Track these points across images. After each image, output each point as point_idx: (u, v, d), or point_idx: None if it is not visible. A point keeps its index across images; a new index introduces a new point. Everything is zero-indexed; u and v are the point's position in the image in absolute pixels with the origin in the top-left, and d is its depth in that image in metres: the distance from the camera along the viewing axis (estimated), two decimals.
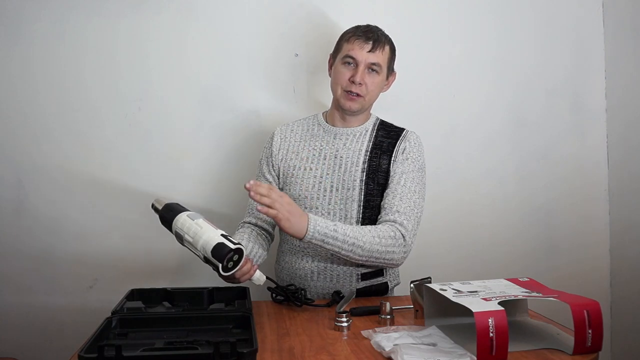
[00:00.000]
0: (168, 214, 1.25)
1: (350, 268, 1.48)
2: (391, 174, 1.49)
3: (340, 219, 1.48)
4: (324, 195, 1.50)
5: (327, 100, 1.64)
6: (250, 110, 1.90)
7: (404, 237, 1.40)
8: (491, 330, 0.95)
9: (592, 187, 2.05)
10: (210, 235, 1.18)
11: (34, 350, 1.79)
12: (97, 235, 1.83)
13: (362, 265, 1.47)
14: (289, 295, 1.37)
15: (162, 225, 1.27)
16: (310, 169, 1.53)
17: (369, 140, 1.54)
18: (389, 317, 1.22)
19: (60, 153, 1.82)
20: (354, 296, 1.43)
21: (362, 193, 1.48)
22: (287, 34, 1.89)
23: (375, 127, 1.57)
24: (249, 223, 1.55)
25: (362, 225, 1.46)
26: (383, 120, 1.60)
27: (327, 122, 1.60)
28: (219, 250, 1.16)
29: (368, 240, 1.36)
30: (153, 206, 1.29)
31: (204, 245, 1.17)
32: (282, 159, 1.58)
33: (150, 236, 1.82)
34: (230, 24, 1.88)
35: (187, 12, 1.86)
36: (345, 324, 1.18)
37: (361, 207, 1.48)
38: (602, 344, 1.01)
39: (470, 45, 1.98)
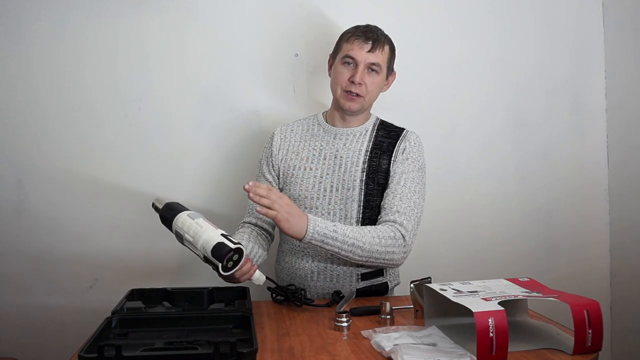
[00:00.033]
0: (168, 213, 1.25)
1: (350, 268, 1.48)
2: (391, 174, 1.49)
3: (340, 219, 1.48)
4: (324, 196, 1.50)
5: (327, 100, 1.64)
6: (250, 110, 1.90)
7: (403, 237, 1.40)
8: (491, 330, 0.95)
9: (592, 187, 2.05)
10: (210, 234, 1.18)
11: (34, 350, 1.79)
12: (97, 235, 1.83)
13: (362, 266, 1.47)
14: (289, 295, 1.37)
15: (162, 225, 1.27)
16: (310, 169, 1.53)
17: (369, 140, 1.54)
18: (389, 317, 1.22)
19: (60, 153, 1.82)
20: (354, 296, 1.43)
21: (362, 193, 1.48)
22: (287, 34, 1.90)
23: (375, 127, 1.57)
24: (249, 223, 1.55)
25: (362, 225, 1.46)
26: (383, 120, 1.60)
27: (327, 122, 1.60)
28: (219, 250, 1.16)
29: (368, 240, 1.36)
30: (153, 205, 1.29)
31: (204, 244, 1.17)
32: (282, 159, 1.58)
33: (150, 236, 1.82)
34: (230, 24, 1.88)
35: (187, 12, 1.86)
36: (345, 324, 1.18)
37: (361, 207, 1.48)
38: (602, 344, 1.01)
39: (470, 45, 1.98)
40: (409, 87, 1.84)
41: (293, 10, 1.89)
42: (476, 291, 1.12)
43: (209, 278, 1.45)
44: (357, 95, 1.50)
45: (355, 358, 1.03)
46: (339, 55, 1.53)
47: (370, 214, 1.48)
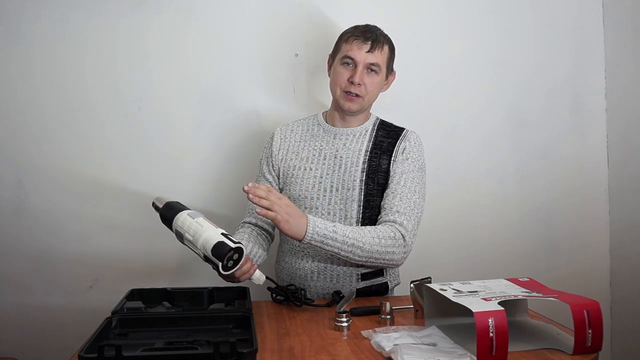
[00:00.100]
0: (168, 212, 1.25)
1: (350, 268, 1.48)
2: (391, 174, 1.49)
3: (340, 219, 1.48)
4: (324, 196, 1.50)
5: (327, 100, 1.64)
6: (250, 110, 1.90)
7: (403, 237, 1.40)
8: (491, 330, 0.95)
9: (592, 187, 2.05)
10: (210, 233, 1.18)
11: (34, 350, 1.79)
12: (97, 235, 1.83)
13: (362, 266, 1.47)
14: (289, 295, 1.37)
15: (162, 225, 1.27)
16: (310, 169, 1.53)
17: (369, 140, 1.54)
18: (389, 317, 1.22)
19: (60, 153, 1.82)
20: (354, 296, 1.43)
21: (362, 193, 1.48)
22: (287, 34, 1.90)
23: (375, 127, 1.57)
24: (249, 223, 1.55)
25: (362, 225, 1.46)
26: (383, 120, 1.60)
27: (327, 122, 1.60)
28: (219, 249, 1.16)
29: (368, 240, 1.36)
30: (154, 205, 1.29)
31: (204, 243, 1.17)
32: (282, 159, 1.58)
33: (150, 236, 1.82)
34: (230, 24, 1.88)
35: (187, 12, 1.86)
36: (345, 324, 1.18)
37: (361, 207, 1.48)
38: (602, 344, 1.01)
39: (470, 45, 1.98)
40: (409, 87, 1.84)
41: (293, 10, 1.89)
42: (476, 291, 1.12)
43: (209, 278, 1.46)
44: (357, 95, 1.49)
45: (355, 358, 1.03)
46: (338, 55, 1.53)
47: (370, 214, 1.48)
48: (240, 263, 1.20)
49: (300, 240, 1.32)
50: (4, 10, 1.79)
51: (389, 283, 1.54)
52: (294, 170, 1.54)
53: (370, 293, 1.50)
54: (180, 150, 1.87)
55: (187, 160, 1.87)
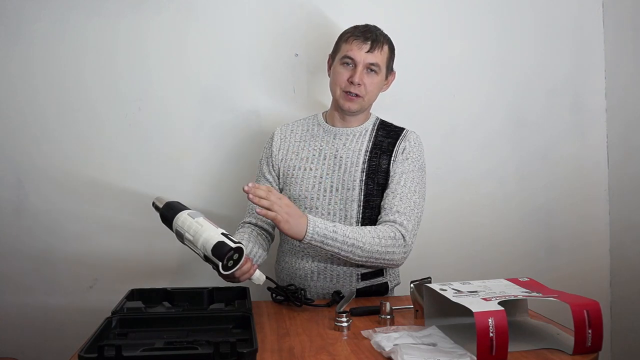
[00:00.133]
0: (169, 212, 1.25)
1: (350, 268, 1.48)
2: (391, 174, 1.49)
3: (340, 219, 1.48)
4: (324, 196, 1.50)
5: (327, 100, 1.64)
6: (250, 110, 1.90)
7: (404, 237, 1.40)
8: (491, 330, 0.95)
9: (592, 187, 2.05)
10: (210, 233, 1.18)
11: (34, 350, 1.79)
12: (97, 235, 1.83)
13: (362, 266, 1.47)
14: (289, 295, 1.37)
15: (162, 225, 1.27)
16: (310, 169, 1.53)
17: (369, 140, 1.54)
18: (389, 317, 1.22)
19: (60, 153, 1.82)
20: (354, 296, 1.43)
21: (362, 193, 1.48)
22: (287, 34, 1.90)
23: (375, 127, 1.57)
24: (249, 223, 1.55)
25: (362, 225, 1.46)
26: (383, 120, 1.60)
27: (327, 122, 1.60)
28: (219, 249, 1.16)
29: (368, 240, 1.36)
30: (154, 204, 1.29)
31: (204, 243, 1.17)
32: (282, 159, 1.58)
33: (150, 236, 1.82)
34: (230, 24, 1.88)
35: (187, 12, 1.86)
36: (345, 324, 1.18)
37: (361, 207, 1.48)
38: (602, 344, 1.01)
39: (470, 45, 1.98)
40: (409, 87, 1.84)
41: (293, 10, 1.89)
42: (476, 291, 1.12)
43: (209, 278, 1.46)
44: (357, 95, 1.49)
45: (355, 358, 1.03)
46: (338, 55, 1.53)
47: (370, 214, 1.48)
48: (240, 263, 1.20)
49: (300, 240, 1.32)
50: (4, 10, 1.79)
51: (389, 283, 1.54)
52: (294, 170, 1.54)
53: (370, 293, 1.50)
54: (180, 150, 1.87)
55: (187, 160, 1.87)
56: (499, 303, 1.01)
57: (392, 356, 0.99)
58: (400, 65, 1.60)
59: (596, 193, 2.05)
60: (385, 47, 1.51)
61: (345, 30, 1.54)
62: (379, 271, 1.51)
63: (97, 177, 1.83)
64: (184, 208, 1.25)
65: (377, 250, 1.37)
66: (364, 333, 1.14)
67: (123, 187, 1.83)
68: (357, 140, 1.54)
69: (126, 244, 1.84)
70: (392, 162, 1.50)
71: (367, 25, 1.53)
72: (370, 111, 1.60)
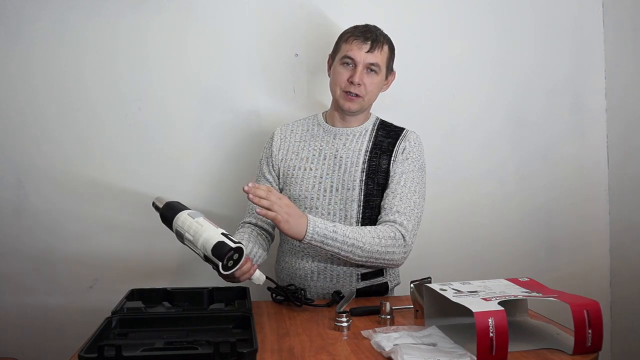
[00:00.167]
0: (169, 212, 1.25)
1: (350, 268, 1.48)
2: (391, 174, 1.49)
3: (340, 219, 1.48)
4: (324, 196, 1.50)
5: (327, 100, 1.64)
6: (250, 110, 1.90)
7: (404, 237, 1.40)
8: (491, 330, 0.95)
9: (592, 187, 2.05)
10: (210, 233, 1.18)
11: (34, 350, 1.79)
12: (97, 235, 1.83)
13: (362, 266, 1.47)
14: (289, 295, 1.37)
15: (162, 225, 1.27)
16: (310, 169, 1.53)
17: (369, 140, 1.54)
18: (389, 317, 1.22)
19: (60, 153, 1.82)
20: (354, 296, 1.43)
21: (362, 193, 1.48)
22: (287, 34, 1.90)
23: (375, 127, 1.57)
24: (249, 223, 1.55)
25: (362, 225, 1.46)
26: (383, 120, 1.60)
27: (327, 122, 1.60)
28: (219, 249, 1.16)
29: (368, 240, 1.36)
30: (154, 204, 1.29)
31: (204, 243, 1.17)
32: (282, 159, 1.58)
33: (150, 236, 1.82)
34: (230, 24, 1.88)
35: (187, 12, 1.86)
36: (345, 324, 1.18)
37: (361, 207, 1.48)
38: (602, 344, 1.01)
39: (470, 45, 1.98)
40: (409, 87, 1.84)
41: (293, 10, 1.89)
42: (476, 291, 1.12)
43: (209, 278, 1.45)
44: (357, 95, 1.49)
45: (355, 358, 1.03)
46: (338, 55, 1.53)
47: (370, 214, 1.48)
48: (240, 263, 1.20)
49: (300, 240, 1.32)
50: (4, 10, 1.79)
51: (389, 283, 1.54)
52: (294, 170, 1.54)
53: (370, 293, 1.50)
54: (180, 150, 1.87)
55: (187, 160, 1.88)
56: (499, 303, 1.01)
57: (392, 356, 0.99)
58: (400, 65, 1.60)
59: (596, 193, 2.05)
60: (385, 47, 1.51)
61: (345, 30, 1.54)
62: (379, 271, 1.51)
63: (97, 177, 1.83)
64: (184, 208, 1.25)
65: (377, 250, 1.37)
66: (364, 333, 1.14)
67: (123, 187, 1.83)
68: (357, 140, 1.54)
69: (126, 244, 1.85)
70: (392, 162, 1.50)
71: (367, 25, 1.53)
72: (370, 111, 1.60)
